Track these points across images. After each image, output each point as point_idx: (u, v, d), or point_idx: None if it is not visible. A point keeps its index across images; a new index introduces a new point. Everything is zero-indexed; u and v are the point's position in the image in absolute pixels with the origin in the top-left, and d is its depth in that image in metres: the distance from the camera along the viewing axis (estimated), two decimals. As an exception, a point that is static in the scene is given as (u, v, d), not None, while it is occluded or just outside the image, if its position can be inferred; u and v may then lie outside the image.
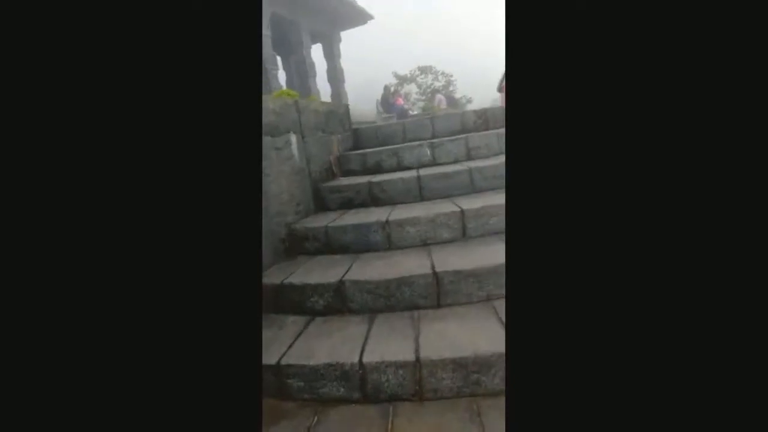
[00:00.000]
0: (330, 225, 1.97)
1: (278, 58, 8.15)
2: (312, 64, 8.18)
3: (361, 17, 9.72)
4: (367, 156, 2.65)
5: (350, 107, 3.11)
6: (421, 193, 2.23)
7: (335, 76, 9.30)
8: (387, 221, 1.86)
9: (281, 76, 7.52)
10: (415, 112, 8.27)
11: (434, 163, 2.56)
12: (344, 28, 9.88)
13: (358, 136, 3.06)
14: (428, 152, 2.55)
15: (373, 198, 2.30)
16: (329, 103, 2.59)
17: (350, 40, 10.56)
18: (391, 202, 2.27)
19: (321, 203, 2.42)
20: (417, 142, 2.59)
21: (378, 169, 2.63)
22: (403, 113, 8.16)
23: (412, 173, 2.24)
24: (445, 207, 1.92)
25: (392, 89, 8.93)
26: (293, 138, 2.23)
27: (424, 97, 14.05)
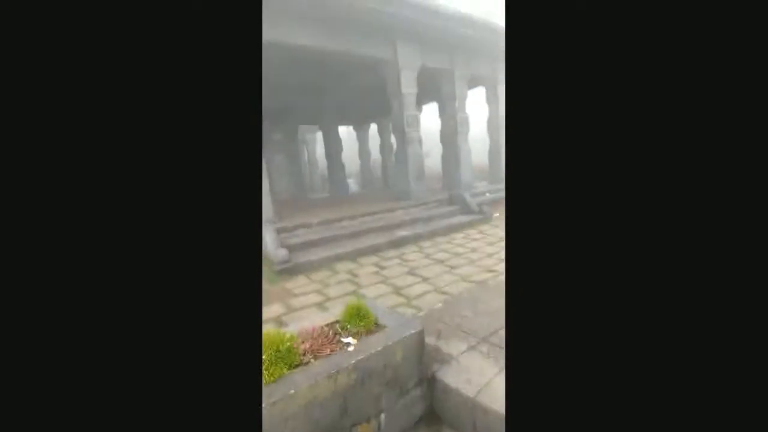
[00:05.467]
0: None
1: (420, 115, 6.98)
2: (464, 120, 6.57)
3: (539, 45, 7.46)
4: None
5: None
6: None
7: (496, 124, 7.37)
8: None
9: (426, 136, 6.25)
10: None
11: None
12: (515, 63, 7.84)
13: (438, 398, 1.24)
14: None
15: None
16: (365, 358, 0.96)
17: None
18: None
19: None
20: None
21: None
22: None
23: None
24: None
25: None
26: None
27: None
